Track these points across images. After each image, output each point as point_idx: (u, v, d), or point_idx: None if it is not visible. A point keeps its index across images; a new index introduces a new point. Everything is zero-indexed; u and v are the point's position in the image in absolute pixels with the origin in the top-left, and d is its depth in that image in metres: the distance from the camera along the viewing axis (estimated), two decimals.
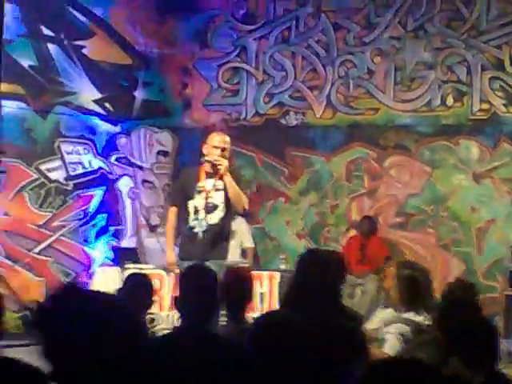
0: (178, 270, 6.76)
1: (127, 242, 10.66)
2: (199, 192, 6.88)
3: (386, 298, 6.00)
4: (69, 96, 10.25)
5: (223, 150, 6.86)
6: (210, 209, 6.85)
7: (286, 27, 10.90)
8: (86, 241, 10.25)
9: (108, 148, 10.61)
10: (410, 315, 5.19)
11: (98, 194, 10.43)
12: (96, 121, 10.49)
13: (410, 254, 10.02)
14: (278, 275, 9.28)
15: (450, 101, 10.24)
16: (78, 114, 10.32)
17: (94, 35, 10.50)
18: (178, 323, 5.28)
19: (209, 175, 6.89)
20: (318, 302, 3.85)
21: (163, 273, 8.96)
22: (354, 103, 10.61)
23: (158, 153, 11.12)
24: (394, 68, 10.47)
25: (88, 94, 10.40)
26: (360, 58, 10.59)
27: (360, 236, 10.18)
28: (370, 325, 5.35)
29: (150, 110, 10.97)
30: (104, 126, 10.57)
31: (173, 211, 7.16)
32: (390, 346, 4.97)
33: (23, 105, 9.87)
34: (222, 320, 5.17)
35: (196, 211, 6.86)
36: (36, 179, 9.98)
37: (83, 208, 10.27)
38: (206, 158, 6.87)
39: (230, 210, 6.97)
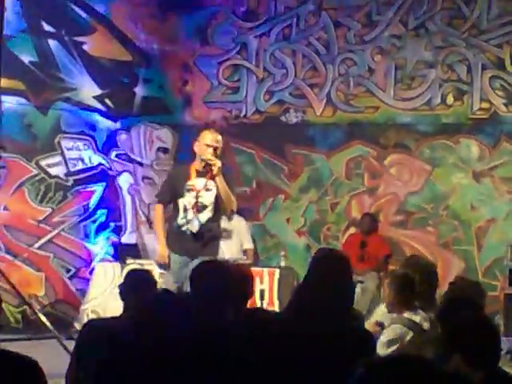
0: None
1: (127, 238, 10.66)
2: (188, 190, 6.86)
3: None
4: (69, 92, 10.25)
5: (215, 149, 6.83)
6: (200, 208, 6.84)
7: (286, 25, 10.89)
8: (86, 236, 10.26)
9: (108, 144, 10.60)
10: (410, 315, 5.19)
11: (98, 189, 10.42)
12: (96, 117, 10.48)
13: (410, 252, 10.02)
14: (277, 272, 9.27)
15: (450, 99, 10.25)
16: (78, 110, 10.32)
17: (95, 31, 10.49)
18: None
19: (200, 174, 6.87)
20: (337, 304, 3.83)
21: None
22: (355, 101, 10.60)
23: (158, 149, 11.10)
24: (394, 66, 10.47)
25: (88, 90, 10.39)
26: (360, 56, 10.59)
27: (360, 233, 10.18)
28: (369, 324, 5.35)
29: (151, 107, 10.95)
30: (104, 123, 10.56)
31: (159, 208, 7.14)
32: (383, 344, 4.98)
33: (23, 100, 9.87)
34: None
35: (185, 210, 6.85)
36: (36, 175, 9.98)
37: (83, 204, 10.27)
38: (202, 157, 6.86)
39: (219, 211, 6.97)
